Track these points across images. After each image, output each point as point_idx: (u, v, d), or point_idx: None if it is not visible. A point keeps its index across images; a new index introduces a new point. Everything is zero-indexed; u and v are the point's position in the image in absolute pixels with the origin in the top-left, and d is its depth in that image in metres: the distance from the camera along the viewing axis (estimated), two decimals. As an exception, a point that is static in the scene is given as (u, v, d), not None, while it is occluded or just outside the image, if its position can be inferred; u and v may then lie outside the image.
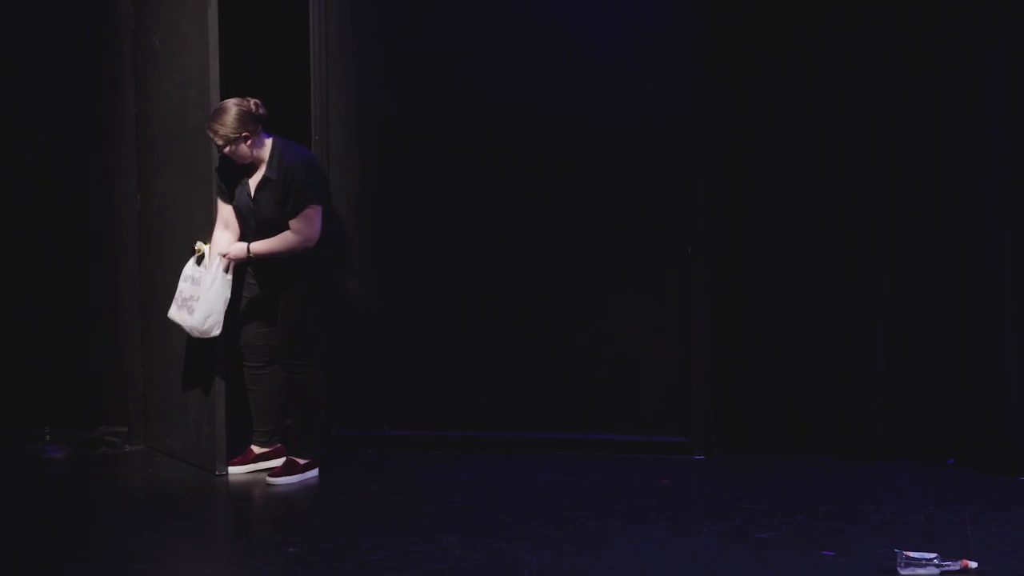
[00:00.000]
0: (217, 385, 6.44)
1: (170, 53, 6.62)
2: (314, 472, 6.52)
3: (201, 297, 6.28)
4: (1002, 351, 6.53)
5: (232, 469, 6.57)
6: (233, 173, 6.34)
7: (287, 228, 6.27)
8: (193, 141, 6.46)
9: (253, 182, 6.32)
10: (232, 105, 6.18)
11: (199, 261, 6.37)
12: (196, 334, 6.35)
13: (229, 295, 6.31)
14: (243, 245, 6.33)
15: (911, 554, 5.16)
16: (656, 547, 5.51)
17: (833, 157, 6.81)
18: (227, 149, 6.20)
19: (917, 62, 6.69)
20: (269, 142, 6.30)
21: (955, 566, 5.15)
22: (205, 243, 6.37)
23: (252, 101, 6.22)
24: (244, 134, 6.17)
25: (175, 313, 6.41)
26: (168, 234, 6.69)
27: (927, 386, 6.77)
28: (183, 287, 6.38)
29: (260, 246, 6.29)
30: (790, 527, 5.75)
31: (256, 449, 6.66)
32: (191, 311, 6.31)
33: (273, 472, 6.48)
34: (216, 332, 6.33)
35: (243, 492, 6.39)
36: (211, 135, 6.20)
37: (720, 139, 6.88)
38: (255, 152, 6.26)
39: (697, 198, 6.80)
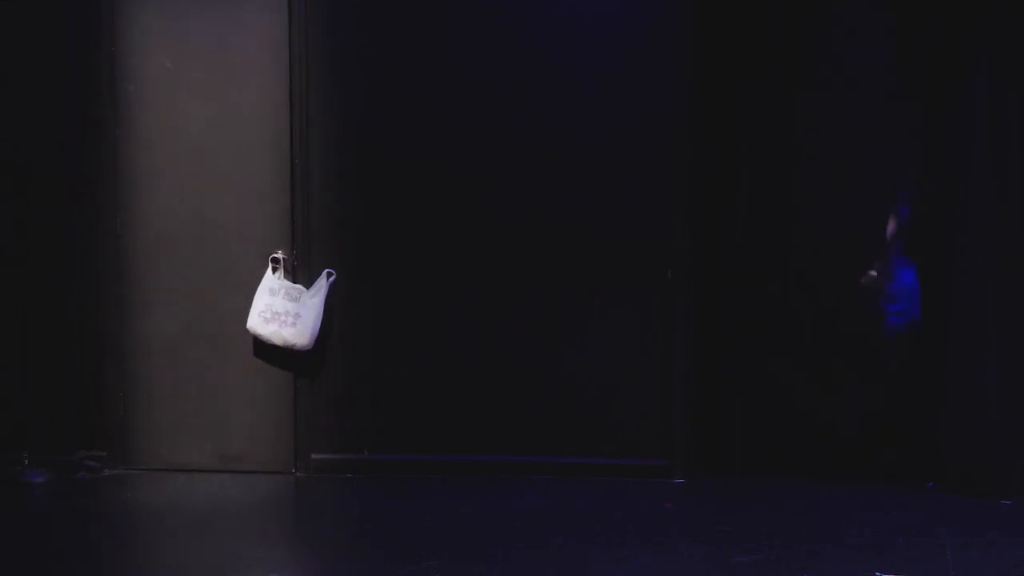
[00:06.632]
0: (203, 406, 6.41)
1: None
2: None
3: (303, 314, 6.33)
4: (984, 369, 6.54)
5: None
6: None
7: None
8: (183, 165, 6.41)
9: None
10: None
11: (274, 271, 6.36)
12: (296, 347, 6.37)
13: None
14: None
15: (890, 579, 5.19)
16: (638, 571, 5.51)
17: (819, 175, 6.83)
18: None
19: (900, 81, 6.74)
20: None
21: (934, 590, 5.18)
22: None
23: None
24: None
25: (261, 326, 6.38)
26: (152, 257, 6.62)
27: (911, 405, 6.78)
28: (272, 301, 6.36)
29: None
30: (770, 551, 5.74)
31: None
32: (291, 325, 6.32)
33: None
34: (313, 345, 6.42)
35: (221, 516, 6.36)
36: None
37: (702, 158, 6.89)
38: None
39: (679, 217, 6.81)
